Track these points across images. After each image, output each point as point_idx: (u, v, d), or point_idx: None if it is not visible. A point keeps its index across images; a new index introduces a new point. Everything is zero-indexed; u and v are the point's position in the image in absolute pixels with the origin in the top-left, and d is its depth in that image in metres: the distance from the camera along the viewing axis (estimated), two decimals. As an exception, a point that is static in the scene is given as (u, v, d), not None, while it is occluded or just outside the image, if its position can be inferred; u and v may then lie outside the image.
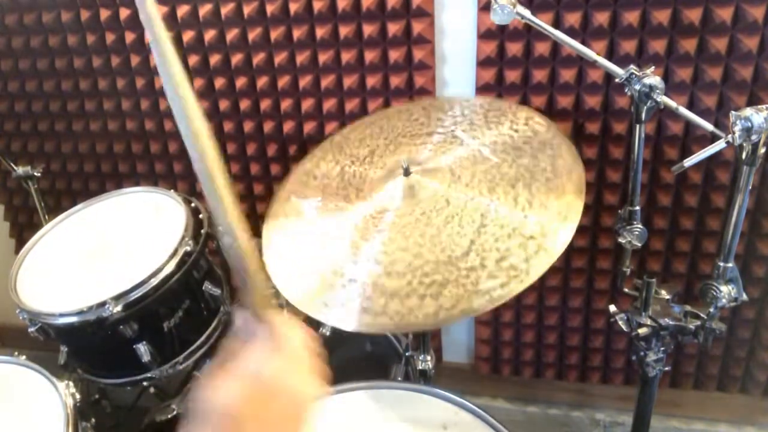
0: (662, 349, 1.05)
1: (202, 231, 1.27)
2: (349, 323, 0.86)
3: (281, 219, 1.10)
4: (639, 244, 1.00)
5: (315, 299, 0.90)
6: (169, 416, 1.18)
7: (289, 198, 1.15)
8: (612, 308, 1.09)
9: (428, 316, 0.81)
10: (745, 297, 0.93)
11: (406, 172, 1.02)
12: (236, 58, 1.52)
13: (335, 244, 0.98)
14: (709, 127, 0.88)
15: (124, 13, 1.55)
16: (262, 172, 1.67)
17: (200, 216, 1.30)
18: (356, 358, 1.38)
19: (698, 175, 1.35)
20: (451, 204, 0.95)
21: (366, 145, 1.18)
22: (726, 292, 0.92)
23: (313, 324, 1.26)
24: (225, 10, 1.45)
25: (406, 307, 0.83)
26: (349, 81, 1.46)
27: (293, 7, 1.40)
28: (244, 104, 1.58)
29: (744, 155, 0.81)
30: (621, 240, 1.01)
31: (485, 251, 0.85)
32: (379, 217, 0.98)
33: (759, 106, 0.77)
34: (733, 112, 0.78)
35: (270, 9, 1.42)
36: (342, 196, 1.08)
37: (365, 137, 1.21)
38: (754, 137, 0.78)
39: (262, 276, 0.53)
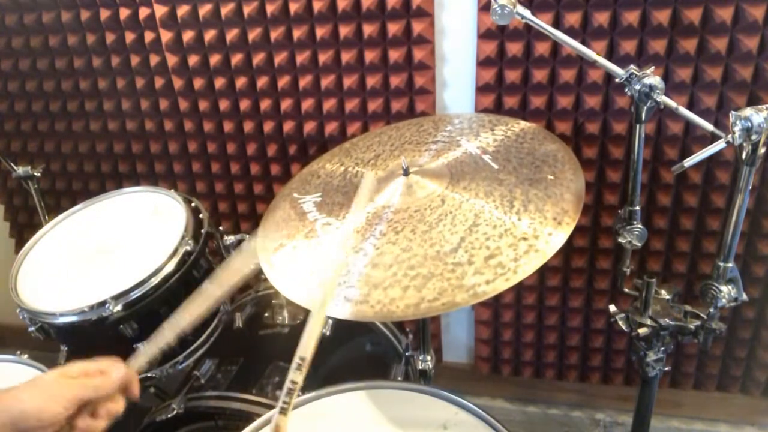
0: (662, 349, 1.05)
1: (203, 230, 1.27)
2: (331, 311, 0.86)
3: (279, 212, 1.11)
4: (639, 244, 1.00)
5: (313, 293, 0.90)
6: (169, 416, 1.18)
7: (290, 194, 1.15)
8: (612, 308, 1.09)
9: (409, 306, 0.81)
10: (745, 297, 0.93)
11: (406, 172, 1.02)
12: (236, 58, 1.52)
13: (330, 238, 0.98)
14: (709, 127, 0.88)
15: (124, 13, 1.55)
16: (262, 172, 1.67)
17: (200, 216, 1.30)
18: (356, 358, 1.38)
19: (698, 175, 1.35)
20: (446, 203, 0.96)
21: (372, 151, 1.20)
22: (726, 292, 0.92)
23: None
24: (225, 10, 1.45)
25: (388, 297, 0.83)
26: (349, 81, 1.46)
27: (293, 7, 1.40)
28: (244, 104, 1.58)
29: (744, 155, 0.81)
30: (621, 240, 1.01)
31: (474, 249, 0.86)
32: (376, 214, 0.99)
33: (759, 106, 0.77)
34: (733, 112, 0.78)
35: (270, 9, 1.42)
36: (342, 192, 1.08)
37: (373, 144, 1.23)
38: (754, 137, 0.78)
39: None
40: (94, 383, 0.71)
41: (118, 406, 0.74)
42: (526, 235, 0.85)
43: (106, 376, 0.72)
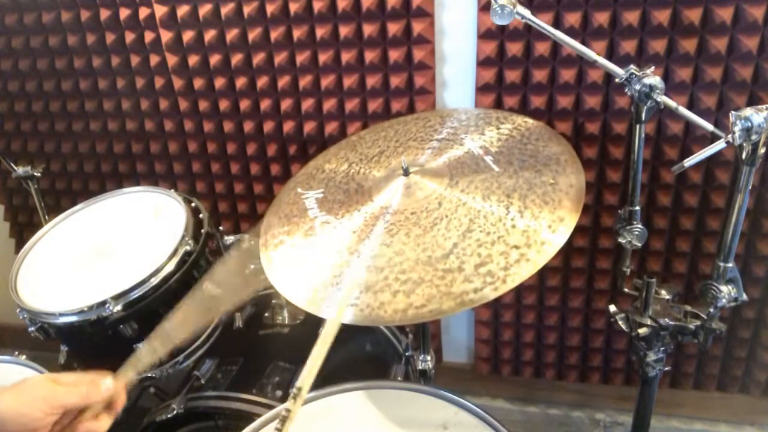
0: (662, 349, 1.04)
1: (203, 231, 1.27)
2: (318, 311, 0.86)
3: (284, 207, 1.11)
4: (639, 244, 1.00)
5: (315, 294, 0.90)
6: (169, 416, 1.18)
7: (294, 188, 1.15)
8: (612, 308, 1.09)
9: (397, 312, 0.81)
10: (745, 297, 0.93)
11: (406, 172, 1.02)
12: (236, 58, 1.52)
13: (329, 238, 0.98)
14: (709, 127, 0.88)
15: (124, 13, 1.55)
16: (262, 172, 1.67)
17: (200, 216, 1.30)
18: (356, 358, 1.38)
19: (698, 175, 1.35)
20: (443, 206, 0.95)
21: (378, 146, 1.19)
22: (726, 292, 0.91)
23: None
24: (225, 10, 1.45)
25: (378, 300, 0.83)
26: (349, 81, 1.46)
27: (293, 7, 1.40)
28: (244, 104, 1.58)
29: (744, 155, 0.81)
30: (621, 240, 1.01)
31: (466, 255, 0.85)
32: (374, 214, 0.98)
33: (759, 106, 0.77)
34: (733, 112, 0.78)
35: (270, 9, 1.42)
36: (343, 190, 1.08)
37: (379, 138, 1.22)
38: (754, 137, 0.78)
39: None
40: (80, 390, 0.71)
41: (101, 426, 0.73)
42: (518, 243, 0.84)
43: (95, 386, 0.72)
